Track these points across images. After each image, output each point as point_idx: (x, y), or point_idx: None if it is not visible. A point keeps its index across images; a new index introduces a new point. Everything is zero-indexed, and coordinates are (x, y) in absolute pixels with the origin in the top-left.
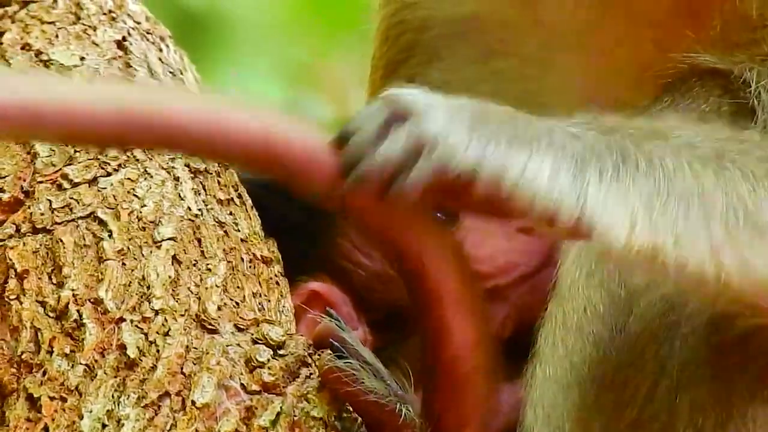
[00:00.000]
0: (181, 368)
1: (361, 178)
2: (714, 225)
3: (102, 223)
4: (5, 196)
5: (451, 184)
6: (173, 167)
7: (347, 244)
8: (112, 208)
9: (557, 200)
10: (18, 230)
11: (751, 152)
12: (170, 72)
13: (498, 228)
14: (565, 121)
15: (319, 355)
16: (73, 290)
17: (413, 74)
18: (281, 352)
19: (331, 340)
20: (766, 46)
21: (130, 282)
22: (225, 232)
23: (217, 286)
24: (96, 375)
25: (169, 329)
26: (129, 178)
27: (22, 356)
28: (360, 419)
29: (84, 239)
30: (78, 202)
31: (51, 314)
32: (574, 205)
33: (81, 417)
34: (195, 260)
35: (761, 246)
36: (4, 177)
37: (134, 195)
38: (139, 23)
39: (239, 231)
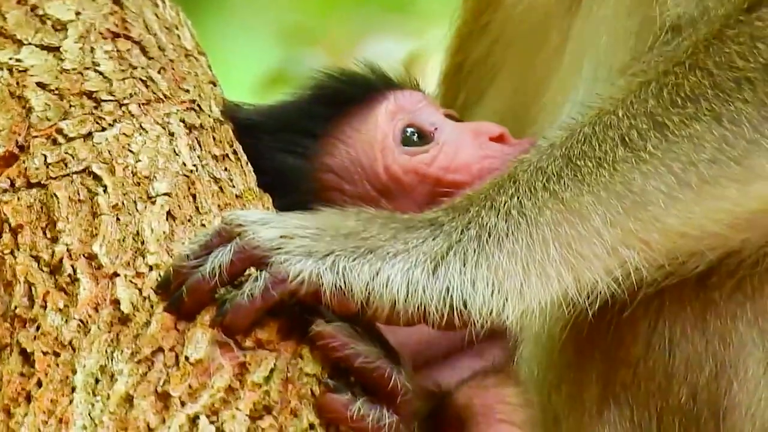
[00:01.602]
0: (175, 324)
1: (189, 289)
2: (604, 230)
3: (97, 177)
4: (0, 151)
5: (293, 293)
6: (168, 122)
7: (330, 176)
8: (107, 163)
9: (420, 297)
10: (12, 185)
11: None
12: (166, 28)
13: (470, 138)
14: (424, 214)
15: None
16: (67, 245)
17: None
18: None
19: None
20: None
21: (125, 237)
22: (220, 187)
23: None
24: (89, 330)
25: None
26: (124, 134)
27: (16, 311)
28: (353, 378)
29: (78, 194)
30: (73, 157)
31: (45, 269)
32: (439, 301)
33: (74, 372)
34: (190, 216)
35: (649, 215)
36: None
37: (129, 150)
38: None
39: (234, 187)
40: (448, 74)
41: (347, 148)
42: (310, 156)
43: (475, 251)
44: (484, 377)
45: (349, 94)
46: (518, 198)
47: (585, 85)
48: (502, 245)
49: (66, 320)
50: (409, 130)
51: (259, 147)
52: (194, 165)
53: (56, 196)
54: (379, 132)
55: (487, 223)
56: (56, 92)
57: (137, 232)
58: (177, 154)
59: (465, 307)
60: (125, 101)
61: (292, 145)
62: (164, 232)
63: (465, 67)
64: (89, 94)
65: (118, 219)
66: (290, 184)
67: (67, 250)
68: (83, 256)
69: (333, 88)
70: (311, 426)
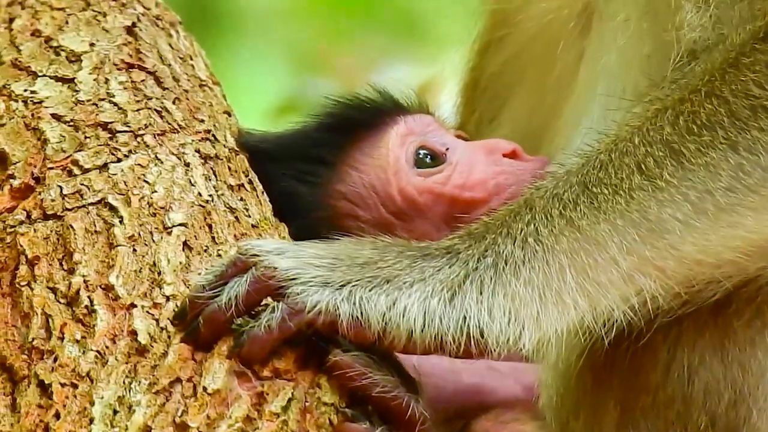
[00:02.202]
0: (192, 354)
1: (206, 319)
2: (620, 258)
3: (113, 209)
4: (16, 182)
5: (310, 324)
6: (184, 153)
7: (344, 203)
8: (123, 194)
9: (437, 327)
10: (29, 216)
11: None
12: (180, 58)
13: (483, 155)
14: (440, 242)
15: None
16: (84, 276)
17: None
18: None
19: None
20: None
21: (141, 268)
22: (236, 217)
23: None
24: (107, 361)
25: None
26: (139, 164)
27: (33, 342)
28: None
29: (95, 225)
30: (88, 188)
31: (62, 300)
32: (456, 330)
33: (92, 403)
34: (206, 246)
35: (665, 243)
36: (14, 163)
37: (145, 181)
38: (148, 9)
39: (250, 216)
40: (465, 90)
41: (360, 174)
42: (323, 184)
43: (491, 279)
44: (503, 411)
45: (359, 120)
46: (534, 225)
47: (599, 110)
48: (518, 273)
49: (83, 351)
50: (422, 152)
51: (272, 174)
52: (210, 195)
53: (72, 227)
54: (391, 156)
55: (503, 251)
56: (71, 124)
57: (154, 262)
58: (193, 185)
59: (482, 336)
60: (140, 132)
61: (304, 174)
62: (181, 263)
63: (481, 83)
64: (104, 126)
65: (134, 250)
66: (304, 211)
67: (84, 281)
68: (100, 287)
69: (342, 114)
70: None
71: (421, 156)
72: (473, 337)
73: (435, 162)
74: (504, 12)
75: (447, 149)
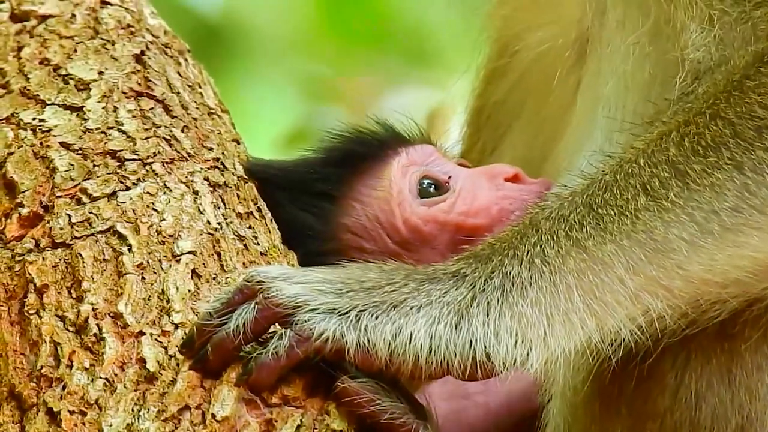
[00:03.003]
0: (201, 382)
1: (214, 347)
2: (627, 278)
3: (121, 237)
4: (24, 211)
5: (318, 351)
6: (192, 181)
7: (349, 236)
8: (132, 222)
9: (443, 353)
10: (37, 245)
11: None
12: (189, 86)
13: (485, 181)
14: (446, 264)
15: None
16: (92, 304)
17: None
18: None
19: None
20: None
21: (150, 296)
22: (245, 245)
23: None
24: (116, 389)
25: None
26: (148, 192)
27: (42, 370)
28: None
29: (103, 253)
30: (97, 217)
31: (70, 328)
32: (462, 355)
33: (101, 431)
34: (215, 274)
35: (672, 262)
36: (23, 191)
37: (153, 209)
38: (157, 37)
39: (259, 244)
40: (470, 117)
41: (364, 207)
42: (328, 217)
43: (498, 301)
44: None
45: (361, 154)
46: (541, 246)
47: (600, 135)
48: (525, 294)
49: (92, 379)
50: (425, 182)
51: (280, 202)
52: (219, 223)
53: (81, 255)
54: (394, 187)
55: (510, 272)
56: (80, 152)
57: (162, 290)
58: (201, 213)
59: (488, 359)
60: (149, 160)
61: (308, 206)
62: (189, 291)
63: (485, 111)
64: (113, 154)
65: (143, 278)
66: (311, 242)
67: (93, 309)
68: (109, 315)
69: (343, 148)
70: None
71: (424, 186)
72: (479, 360)
73: (438, 191)
74: (506, 40)
75: (449, 177)
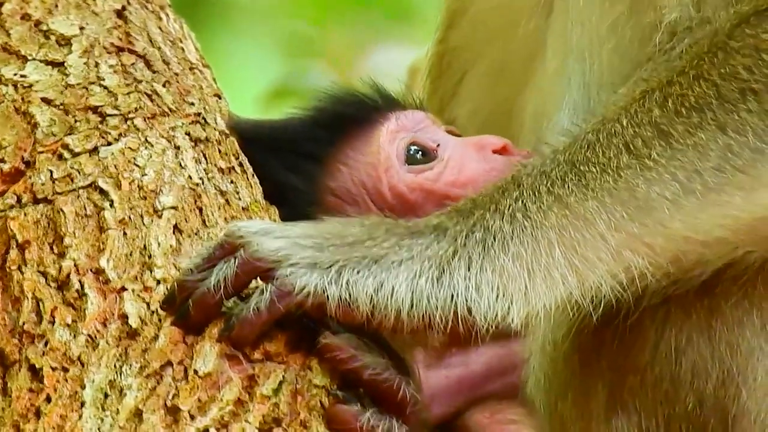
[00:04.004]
0: (183, 338)
1: (195, 303)
2: (608, 234)
3: (103, 192)
4: (6, 167)
5: (299, 306)
6: (174, 136)
7: (333, 199)
8: (113, 178)
9: (425, 307)
10: (19, 200)
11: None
12: (170, 41)
13: (474, 152)
14: (428, 218)
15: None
16: (74, 260)
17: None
18: None
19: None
20: None
21: (132, 251)
22: (226, 200)
23: None
24: (98, 345)
25: None
26: (130, 147)
27: (24, 327)
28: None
29: (85, 209)
30: (79, 172)
31: (52, 284)
32: (444, 309)
33: (83, 387)
34: (196, 229)
35: (653, 220)
36: (4, 147)
37: (135, 164)
38: None
39: (240, 199)
40: (431, 64)
41: (350, 171)
42: (313, 178)
43: (479, 255)
44: (499, 407)
45: (350, 116)
46: (522, 201)
47: (575, 85)
48: (506, 248)
49: (74, 335)
50: (413, 148)
51: (263, 162)
52: (200, 178)
53: (63, 211)
54: (382, 153)
55: (491, 226)
56: (61, 107)
57: (144, 246)
58: (183, 168)
59: (470, 313)
60: (130, 115)
61: (294, 167)
62: (171, 246)
63: (445, 57)
64: (94, 109)
65: (124, 233)
66: (294, 202)
67: (75, 265)
68: (90, 271)
69: (334, 110)
70: None
71: (411, 152)
72: (461, 315)
73: (426, 158)
74: None
75: (438, 145)
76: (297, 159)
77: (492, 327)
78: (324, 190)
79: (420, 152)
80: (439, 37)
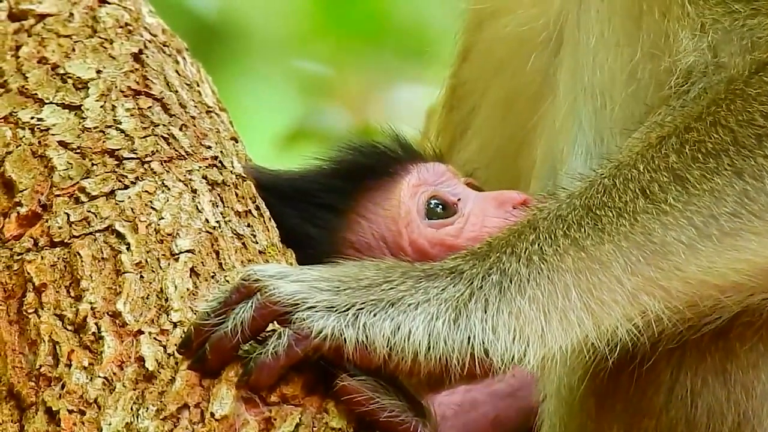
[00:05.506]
0: (200, 380)
1: (212, 347)
2: (624, 278)
3: (120, 235)
4: (23, 210)
5: (317, 349)
6: (191, 179)
7: (352, 251)
8: (130, 221)
9: (442, 349)
10: (36, 244)
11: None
12: (187, 84)
13: (494, 207)
14: (443, 262)
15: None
16: (91, 303)
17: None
18: None
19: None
20: None
21: (148, 294)
22: (243, 243)
23: None
24: (115, 388)
25: None
26: (146, 191)
27: (41, 369)
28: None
29: (102, 252)
30: (95, 215)
31: (69, 327)
32: (461, 351)
33: (100, 430)
34: (213, 272)
35: (670, 264)
36: (21, 191)
37: (152, 207)
38: (155, 36)
39: (257, 243)
40: (445, 97)
41: (370, 224)
42: (331, 230)
43: (496, 297)
44: None
45: (371, 168)
46: (539, 245)
47: (588, 127)
48: (523, 291)
49: (91, 378)
50: (433, 202)
51: (280, 211)
52: (217, 221)
53: (79, 254)
54: (402, 207)
55: (508, 269)
56: (78, 151)
57: (161, 289)
58: (200, 211)
59: (486, 355)
60: (147, 159)
61: (312, 217)
62: (188, 289)
63: (457, 91)
64: (111, 152)
65: (141, 277)
66: (311, 251)
67: (91, 308)
68: (107, 314)
69: (354, 161)
70: None
71: (432, 206)
72: (477, 357)
73: (446, 213)
74: (480, 14)
75: (459, 200)
76: (315, 210)
77: (509, 369)
78: (341, 242)
79: (440, 206)
80: (452, 71)
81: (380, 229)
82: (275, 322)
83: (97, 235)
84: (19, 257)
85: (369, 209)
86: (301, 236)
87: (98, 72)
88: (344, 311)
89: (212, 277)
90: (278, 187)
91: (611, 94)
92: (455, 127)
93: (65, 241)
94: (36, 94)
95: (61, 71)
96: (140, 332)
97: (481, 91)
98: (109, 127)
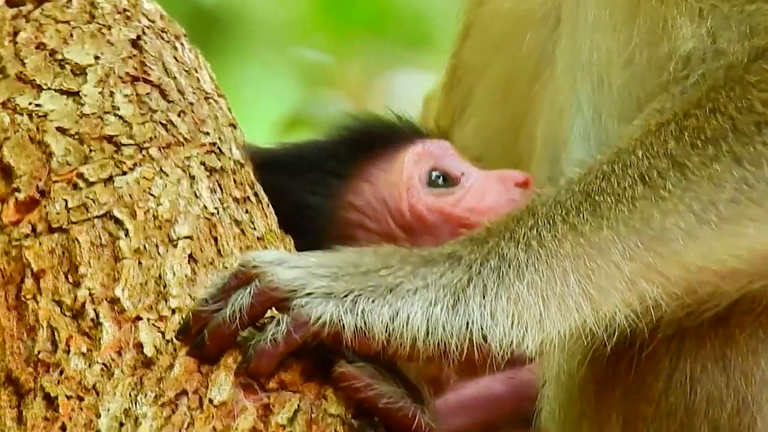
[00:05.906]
0: (198, 366)
1: (211, 333)
2: (623, 263)
3: (118, 221)
4: (21, 196)
5: (315, 336)
6: (189, 165)
7: (353, 213)
8: (128, 207)
9: (440, 334)
10: (34, 230)
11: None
12: (185, 71)
13: (495, 183)
14: (442, 247)
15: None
16: (89, 289)
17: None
18: None
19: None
20: None
21: (147, 281)
22: (241, 230)
23: None
24: (113, 374)
25: None
26: (144, 177)
27: (39, 355)
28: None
29: (100, 238)
30: (94, 202)
31: (67, 313)
32: (459, 336)
33: (98, 416)
34: (211, 259)
35: (668, 250)
36: (19, 176)
37: (150, 194)
38: (153, 22)
39: (255, 229)
40: (445, 77)
41: (372, 187)
42: (335, 195)
43: (494, 283)
44: None
45: (377, 137)
46: (537, 230)
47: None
48: (522, 276)
49: (89, 364)
50: (435, 173)
51: (281, 186)
52: (215, 208)
53: (78, 240)
54: (405, 172)
55: (506, 254)
56: (76, 137)
57: (159, 275)
58: (198, 197)
59: (485, 340)
60: (145, 145)
61: (316, 185)
62: (186, 276)
63: (458, 70)
64: (109, 139)
65: (140, 263)
66: (311, 223)
67: (90, 294)
68: (106, 300)
69: (360, 130)
70: None
71: (434, 177)
72: (476, 342)
73: (448, 184)
74: None
75: (462, 174)
76: (320, 176)
77: (507, 354)
78: (344, 206)
79: (442, 177)
80: (453, 51)
81: (382, 191)
82: (273, 308)
83: (96, 221)
84: (17, 243)
85: (372, 173)
86: (302, 210)
87: (96, 58)
88: (343, 297)
89: (211, 263)
90: (284, 158)
91: (609, 75)
92: (454, 108)
93: (63, 227)
94: (34, 79)
95: (59, 57)
96: (139, 318)
97: (481, 70)
98: (107, 113)
